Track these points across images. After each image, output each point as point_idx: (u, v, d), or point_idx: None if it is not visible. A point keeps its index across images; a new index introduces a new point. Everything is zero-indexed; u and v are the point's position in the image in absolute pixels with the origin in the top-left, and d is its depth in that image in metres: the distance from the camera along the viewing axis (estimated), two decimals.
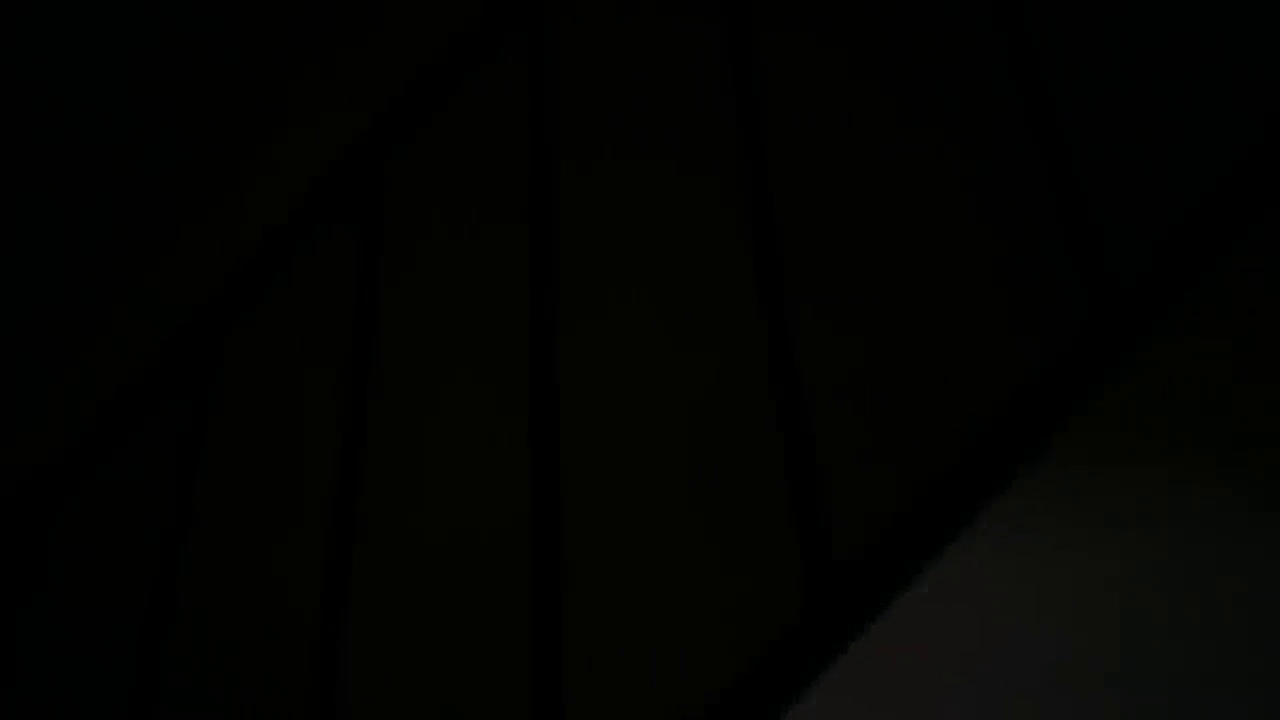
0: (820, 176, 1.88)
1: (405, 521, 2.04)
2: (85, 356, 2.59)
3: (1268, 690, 1.50)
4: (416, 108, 2.55)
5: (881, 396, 1.64)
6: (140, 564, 2.34)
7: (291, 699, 1.98)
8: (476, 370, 2.11)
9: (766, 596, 1.59)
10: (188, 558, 2.28)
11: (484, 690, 1.77)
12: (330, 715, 1.91)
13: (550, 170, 2.23)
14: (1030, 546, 1.44)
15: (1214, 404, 1.45)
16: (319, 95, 2.49)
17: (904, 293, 1.70)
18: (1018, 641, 1.46)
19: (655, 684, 1.62)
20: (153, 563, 2.32)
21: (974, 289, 1.64)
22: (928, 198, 1.74)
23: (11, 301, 2.52)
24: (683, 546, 1.70)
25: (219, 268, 2.58)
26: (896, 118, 1.83)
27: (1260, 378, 1.45)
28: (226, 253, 2.57)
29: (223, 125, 2.46)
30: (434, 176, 2.44)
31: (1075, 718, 1.43)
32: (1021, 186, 1.67)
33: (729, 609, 1.61)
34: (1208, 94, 1.55)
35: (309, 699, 1.96)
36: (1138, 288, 1.50)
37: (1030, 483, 1.45)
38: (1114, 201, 1.58)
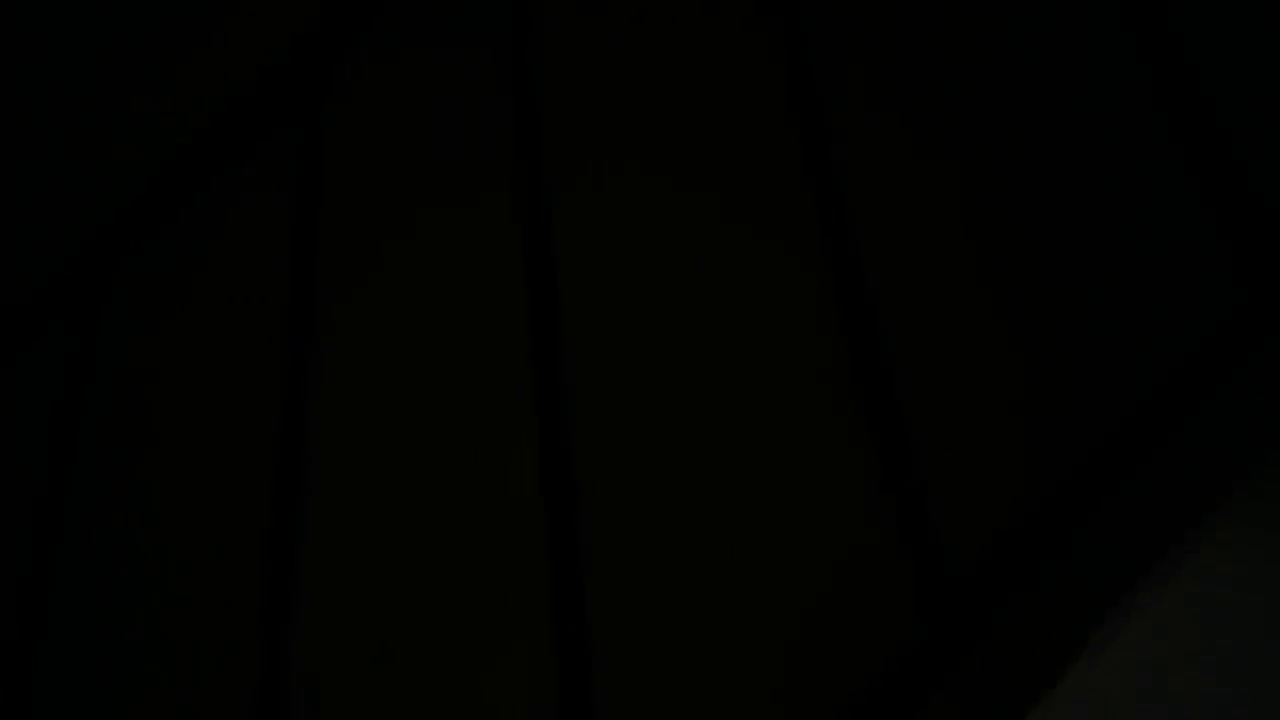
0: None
1: (366, 499, 1.73)
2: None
3: None
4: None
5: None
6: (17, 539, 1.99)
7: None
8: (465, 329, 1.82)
9: (869, 624, 1.32)
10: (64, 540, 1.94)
11: None
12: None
13: (538, 134, 1.94)
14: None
15: None
16: None
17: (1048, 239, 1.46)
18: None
19: None
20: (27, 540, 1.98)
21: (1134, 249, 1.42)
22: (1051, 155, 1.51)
23: None
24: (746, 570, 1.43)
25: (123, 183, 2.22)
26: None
27: None
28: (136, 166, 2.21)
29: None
30: (386, 89, 2.12)
31: None
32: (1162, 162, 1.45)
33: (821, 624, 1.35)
34: None
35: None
36: None
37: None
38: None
